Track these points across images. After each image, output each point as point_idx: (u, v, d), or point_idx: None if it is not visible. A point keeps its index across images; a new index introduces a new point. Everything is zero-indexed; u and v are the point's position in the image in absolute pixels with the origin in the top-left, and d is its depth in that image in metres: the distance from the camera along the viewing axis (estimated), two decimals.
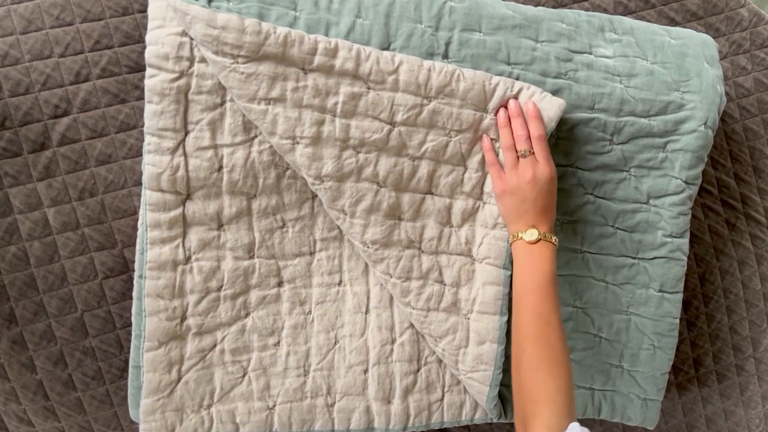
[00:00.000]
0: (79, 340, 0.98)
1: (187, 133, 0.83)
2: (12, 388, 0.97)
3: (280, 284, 0.90)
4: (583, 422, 1.17)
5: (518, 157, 0.86)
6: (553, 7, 1.08)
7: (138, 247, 0.86)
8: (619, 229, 0.97)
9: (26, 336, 0.96)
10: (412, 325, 0.93)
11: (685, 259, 0.96)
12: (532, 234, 0.84)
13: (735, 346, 1.22)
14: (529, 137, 0.86)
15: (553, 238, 0.84)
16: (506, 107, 0.88)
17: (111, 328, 0.99)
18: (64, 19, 0.95)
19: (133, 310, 0.87)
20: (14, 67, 0.93)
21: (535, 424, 0.72)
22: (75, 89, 0.95)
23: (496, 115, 0.88)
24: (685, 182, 0.94)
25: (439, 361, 0.94)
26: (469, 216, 0.91)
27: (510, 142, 0.87)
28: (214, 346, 0.87)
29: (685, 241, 0.96)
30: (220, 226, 0.86)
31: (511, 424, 1.15)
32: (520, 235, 0.84)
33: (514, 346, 0.80)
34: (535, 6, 0.99)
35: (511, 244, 0.87)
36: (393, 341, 0.92)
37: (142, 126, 0.89)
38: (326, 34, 0.85)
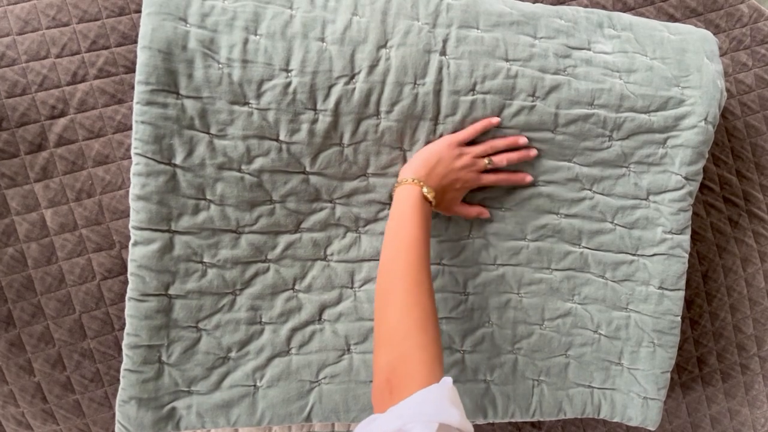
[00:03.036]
0: (77, 341, 0.97)
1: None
2: (10, 390, 0.96)
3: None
4: (584, 422, 1.17)
5: (482, 157, 0.90)
6: (551, 4, 1.08)
7: None
8: (619, 225, 0.96)
9: (24, 338, 0.95)
10: None
11: (686, 256, 0.96)
12: (431, 193, 0.83)
13: (739, 344, 1.21)
14: (505, 164, 0.90)
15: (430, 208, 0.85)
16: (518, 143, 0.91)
17: (109, 329, 0.98)
18: (61, 19, 0.95)
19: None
20: (11, 67, 0.93)
21: (406, 378, 0.66)
22: (72, 90, 0.95)
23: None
24: (686, 178, 0.94)
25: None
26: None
27: (500, 145, 0.90)
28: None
29: (685, 238, 0.95)
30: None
31: (513, 424, 1.14)
32: (421, 183, 0.83)
33: (383, 291, 0.76)
34: (533, 2, 0.99)
35: (399, 184, 0.85)
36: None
37: None
38: (322, 32, 0.84)
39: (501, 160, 0.90)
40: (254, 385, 0.87)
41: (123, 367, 0.83)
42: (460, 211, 0.91)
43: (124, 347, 0.83)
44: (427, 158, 0.86)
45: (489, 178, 0.90)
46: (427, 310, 0.72)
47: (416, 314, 0.71)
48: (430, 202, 0.83)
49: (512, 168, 0.93)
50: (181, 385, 0.85)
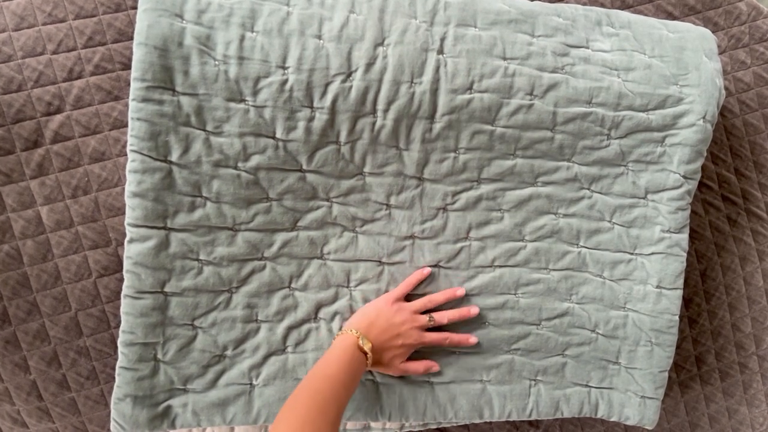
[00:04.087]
0: (73, 339, 0.97)
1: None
2: (5, 388, 0.96)
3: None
4: (582, 421, 1.16)
5: (423, 314, 0.91)
6: (550, 2, 1.07)
7: None
8: (617, 224, 0.96)
9: (19, 335, 0.95)
10: None
11: (684, 255, 0.95)
12: (367, 344, 0.83)
13: (737, 343, 1.20)
14: (446, 322, 0.90)
15: (368, 367, 0.84)
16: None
17: (105, 327, 0.98)
18: (57, 15, 0.94)
19: None
20: (6, 64, 0.92)
21: None
22: (68, 86, 0.94)
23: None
24: (684, 177, 0.93)
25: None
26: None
27: (437, 300, 0.91)
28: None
29: (684, 237, 0.95)
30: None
31: (511, 423, 1.14)
32: (358, 334, 0.83)
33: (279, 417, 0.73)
34: (531, 0, 0.99)
35: (339, 333, 0.85)
36: None
37: None
38: (319, 29, 0.84)
39: (442, 318, 0.90)
40: (250, 384, 0.87)
41: (118, 364, 0.83)
42: (407, 369, 0.89)
43: (119, 344, 0.83)
44: (368, 313, 0.87)
45: (432, 337, 0.89)
46: None
47: None
48: (365, 353, 0.82)
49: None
50: (177, 383, 0.85)
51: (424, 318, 0.89)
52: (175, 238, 0.83)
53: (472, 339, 0.92)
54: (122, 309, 0.82)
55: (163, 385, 0.84)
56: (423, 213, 0.93)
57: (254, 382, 0.87)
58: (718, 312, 1.19)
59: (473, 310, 0.92)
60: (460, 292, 0.92)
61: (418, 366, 0.90)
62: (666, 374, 0.97)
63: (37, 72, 0.93)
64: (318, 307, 0.91)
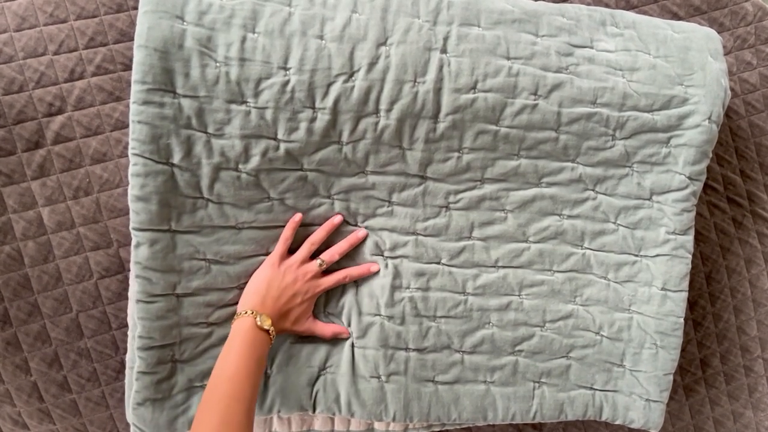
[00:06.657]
0: (74, 341, 0.97)
1: None
2: (6, 389, 0.96)
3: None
4: (586, 424, 1.16)
5: (311, 258, 0.89)
6: (554, 2, 1.07)
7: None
8: (621, 225, 0.95)
9: (20, 337, 0.95)
10: None
11: (690, 257, 0.95)
12: (266, 322, 0.80)
13: (743, 346, 1.20)
14: (337, 259, 0.89)
15: (272, 340, 0.81)
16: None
17: (106, 328, 0.98)
18: (58, 16, 0.94)
19: (129, 310, 0.86)
20: (8, 64, 0.92)
21: None
22: (69, 87, 0.94)
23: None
24: (689, 178, 0.93)
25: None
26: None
27: (318, 239, 0.89)
28: None
29: (689, 239, 0.95)
30: None
31: (515, 426, 1.14)
32: (254, 314, 0.80)
33: (196, 419, 0.72)
34: (535, 0, 0.98)
35: (235, 318, 0.82)
36: None
37: None
38: (321, 30, 0.84)
39: (332, 256, 0.89)
40: (264, 373, 0.87)
41: (136, 369, 0.82)
42: (315, 330, 0.88)
43: (137, 350, 0.82)
44: (257, 286, 0.85)
45: (329, 281, 0.88)
46: None
47: None
48: (267, 330, 0.80)
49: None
50: (195, 381, 0.85)
51: (314, 265, 0.87)
52: (180, 239, 0.83)
53: (374, 267, 0.91)
54: (137, 315, 0.81)
55: (182, 384, 0.84)
56: (425, 211, 0.93)
57: (268, 371, 0.87)
58: (723, 315, 1.18)
59: (360, 233, 0.91)
60: (337, 219, 0.90)
61: (325, 329, 0.89)
62: (671, 377, 0.96)
63: (38, 73, 0.93)
64: (326, 302, 0.91)
